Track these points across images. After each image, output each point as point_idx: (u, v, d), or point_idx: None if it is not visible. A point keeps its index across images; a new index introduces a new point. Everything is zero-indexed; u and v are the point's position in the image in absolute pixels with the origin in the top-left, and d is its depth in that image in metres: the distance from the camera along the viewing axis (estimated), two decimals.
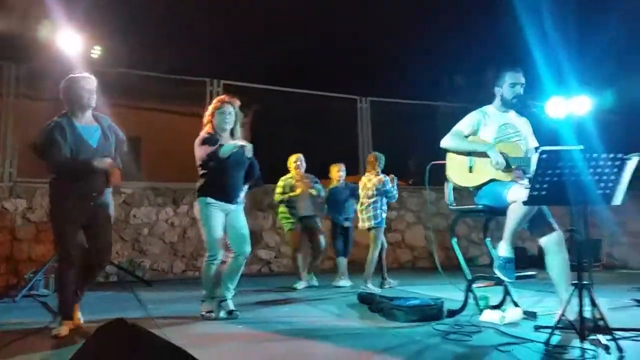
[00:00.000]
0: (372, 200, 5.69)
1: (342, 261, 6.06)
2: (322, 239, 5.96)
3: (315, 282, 5.97)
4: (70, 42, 5.59)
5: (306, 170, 6.08)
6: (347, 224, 6.07)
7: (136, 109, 7.66)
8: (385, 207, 5.82)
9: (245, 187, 4.11)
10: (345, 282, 5.96)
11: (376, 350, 2.77)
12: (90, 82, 3.39)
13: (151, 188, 7.76)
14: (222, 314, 3.85)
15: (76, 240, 3.35)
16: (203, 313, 3.83)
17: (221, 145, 3.74)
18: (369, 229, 5.72)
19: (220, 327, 3.55)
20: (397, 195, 5.96)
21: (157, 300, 4.84)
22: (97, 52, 6.57)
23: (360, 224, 5.81)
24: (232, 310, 3.86)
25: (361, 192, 5.85)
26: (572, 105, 7.98)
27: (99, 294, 5.32)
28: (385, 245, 6.00)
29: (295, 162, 6.02)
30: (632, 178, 2.83)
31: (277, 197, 6.00)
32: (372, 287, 5.49)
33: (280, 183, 6.01)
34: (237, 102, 4.03)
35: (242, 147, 3.80)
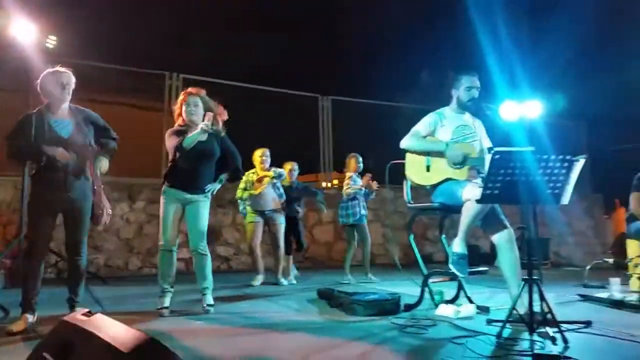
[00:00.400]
0: (354, 198, 6.13)
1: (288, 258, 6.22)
2: (282, 236, 5.95)
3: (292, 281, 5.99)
4: (24, 31, 5.39)
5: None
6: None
7: (92, 102, 7.45)
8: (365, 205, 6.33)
9: (223, 177, 4.12)
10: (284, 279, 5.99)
11: (337, 342, 2.82)
12: (63, 76, 3.39)
13: (106, 182, 7.54)
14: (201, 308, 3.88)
15: (43, 231, 3.35)
16: (157, 309, 3.80)
17: (184, 138, 3.78)
18: (351, 225, 6.15)
19: (179, 323, 3.52)
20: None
21: (112, 297, 4.74)
22: (52, 42, 6.35)
23: (342, 220, 6.25)
24: (207, 305, 3.88)
25: (344, 190, 6.22)
26: (524, 109, 8.29)
27: (52, 290, 5.16)
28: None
29: (261, 156, 5.96)
30: (578, 181, 2.97)
31: (239, 192, 5.98)
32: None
33: (244, 178, 5.92)
34: (203, 92, 4.05)
35: (204, 132, 3.78)
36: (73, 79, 3.46)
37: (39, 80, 3.40)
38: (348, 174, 6.43)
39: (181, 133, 3.90)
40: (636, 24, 11.20)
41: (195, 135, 3.75)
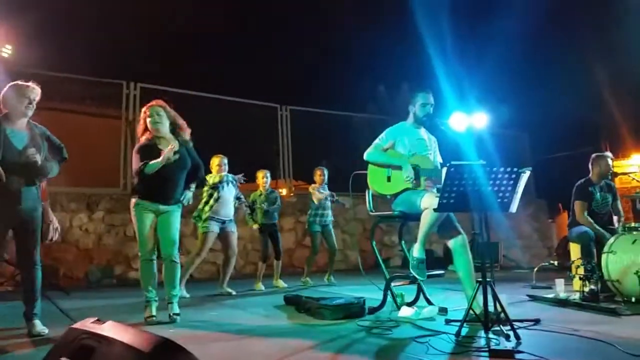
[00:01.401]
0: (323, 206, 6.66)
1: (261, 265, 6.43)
2: (234, 244, 5.98)
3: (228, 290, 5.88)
4: None
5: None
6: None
7: (50, 110, 7.35)
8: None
9: (193, 186, 4.25)
10: (259, 285, 6.26)
11: (308, 345, 2.98)
12: (32, 92, 3.43)
13: (64, 193, 7.46)
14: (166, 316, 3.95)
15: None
16: (145, 318, 3.88)
17: (146, 164, 3.82)
18: (321, 231, 6.67)
19: (152, 331, 3.59)
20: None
21: (80, 309, 4.68)
22: (8, 50, 6.27)
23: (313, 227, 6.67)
24: (174, 314, 3.95)
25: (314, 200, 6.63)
26: (472, 120, 8.77)
27: (13, 303, 5.08)
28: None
29: (219, 164, 5.95)
30: (524, 188, 3.27)
31: (206, 208, 5.80)
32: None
33: (206, 189, 5.87)
34: (162, 103, 4.11)
35: (173, 155, 3.85)
36: (39, 96, 3.49)
37: (4, 90, 3.41)
38: (313, 186, 6.79)
39: (148, 148, 3.94)
40: (571, 33, 11.98)
41: (157, 164, 3.79)
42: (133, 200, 3.98)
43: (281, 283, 6.50)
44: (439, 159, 4.13)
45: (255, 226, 6.42)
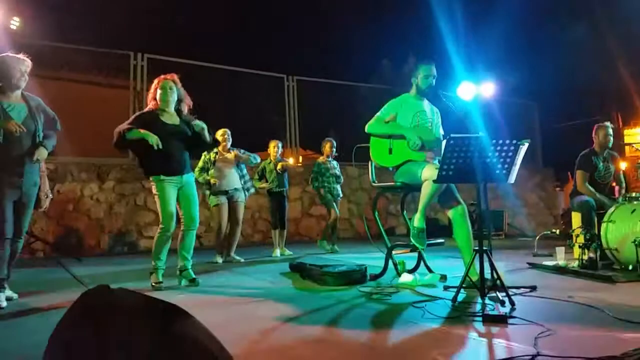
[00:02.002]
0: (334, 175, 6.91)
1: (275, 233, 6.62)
2: (240, 215, 6.11)
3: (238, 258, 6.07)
4: None
5: (234, 145, 6.18)
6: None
7: (58, 80, 7.43)
8: None
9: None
10: (276, 252, 6.48)
11: (311, 309, 3.11)
12: (23, 64, 3.47)
13: (75, 163, 7.61)
14: (184, 282, 4.14)
15: (5, 215, 3.42)
16: (153, 284, 4.04)
17: (131, 129, 3.88)
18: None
19: (162, 296, 3.74)
20: None
21: (92, 276, 4.88)
22: (16, 23, 6.31)
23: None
24: (194, 279, 4.14)
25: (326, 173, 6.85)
26: (480, 89, 8.75)
27: (28, 270, 5.29)
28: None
29: (222, 135, 6.01)
30: (531, 157, 3.31)
31: (196, 174, 5.89)
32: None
33: (202, 158, 5.98)
34: (175, 78, 4.19)
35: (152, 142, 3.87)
36: (30, 67, 3.53)
37: None
38: (322, 158, 7.01)
39: (148, 117, 4.04)
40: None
41: (139, 134, 3.85)
42: (155, 178, 4.03)
43: (286, 251, 6.67)
44: (441, 131, 4.16)
45: (264, 185, 6.63)
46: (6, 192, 3.41)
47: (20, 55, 3.50)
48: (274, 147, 6.67)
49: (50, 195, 3.87)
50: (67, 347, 1.43)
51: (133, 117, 4.14)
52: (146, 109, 4.20)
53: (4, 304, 3.37)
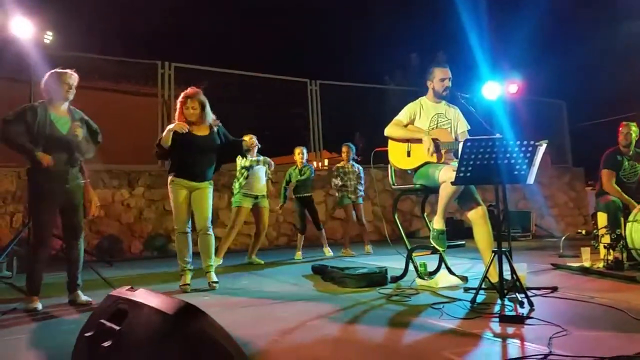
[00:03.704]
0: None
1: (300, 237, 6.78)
2: (266, 219, 6.29)
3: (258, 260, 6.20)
4: (22, 27, 5.64)
5: (259, 151, 6.23)
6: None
7: (89, 89, 7.71)
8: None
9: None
10: (298, 255, 6.58)
11: (331, 310, 3.19)
12: (71, 78, 3.69)
13: (106, 170, 7.86)
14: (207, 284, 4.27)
15: (47, 220, 3.64)
16: (180, 286, 4.20)
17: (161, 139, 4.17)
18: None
19: (187, 299, 3.86)
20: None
21: (121, 279, 5.01)
22: (49, 37, 6.60)
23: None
24: (213, 282, 4.25)
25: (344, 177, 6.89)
26: (506, 88, 8.70)
27: (61, 274, 5.47)
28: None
29: (250, 139, 6.11)
30: (559, 156, 3.30)
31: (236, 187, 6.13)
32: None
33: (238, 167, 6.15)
34: (198, 90, 4.35)
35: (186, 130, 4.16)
36: (77, 81, 3.76)
37: (45, 77, 3.68)
38: (341, 163, 7.11)
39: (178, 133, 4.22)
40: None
41: (169, 135, 4.15)
42: (170, 178, 4.31)
43: (327, 251, 6.78)
44: (464, 127, 4.11)
45: (279, 205, 6.88)
46: (46, 198, 3.61)
47: (68, 70, 3.72)
48: (299, 154, 6.77)
49: (97, 202, 4.05)
50: (90, 342, 1.54)
51: (168, 130, 4.28)
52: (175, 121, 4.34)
53: (40, 307, 3.56)
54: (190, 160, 4.23)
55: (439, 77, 4.01)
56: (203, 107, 4.31)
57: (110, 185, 7.86)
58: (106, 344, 1.46)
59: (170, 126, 4.18)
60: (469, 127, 4.12)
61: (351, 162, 7.04)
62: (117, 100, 8.67)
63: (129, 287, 1.74)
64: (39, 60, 5.48)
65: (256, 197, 6.14)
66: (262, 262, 6.14)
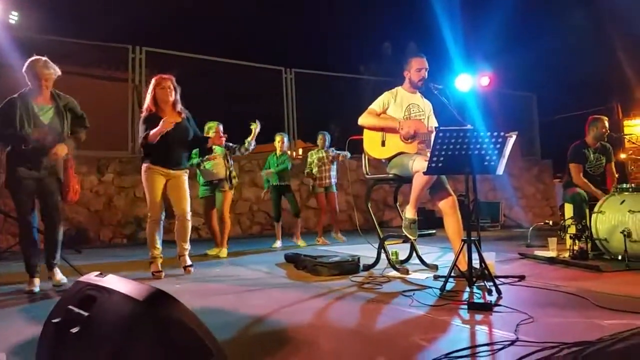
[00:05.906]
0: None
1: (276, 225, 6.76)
2: (220, 203, 5.99)
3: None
4: None
5: (230, 140, 6.18)
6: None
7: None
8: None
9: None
10: (276, 244, 6.58)
11: (304, 297, 3.21)
12: (49, 66, 3.64)
13: (75, 156, 7.65)
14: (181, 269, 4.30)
15: (29, 207, 3.68)
16: (153, 273, 4.17)
17: (148, 134, 4.07)
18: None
19: (158, 285, 3.83)
20: None
21: (91, 267, 4.92)
22: (15, 17, 6.38)
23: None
24: (187, 266, 4.29)
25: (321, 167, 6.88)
26: (478, 81, 8.82)
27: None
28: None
29: (215, 131, 5.87)
30: (528, 149, 3.37)
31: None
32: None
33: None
34: (171, 76, 4.33)
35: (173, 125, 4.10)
36: (58, 72, 3.72)
37: (24, 68, 3.64)
38: (316, 150, 7.10)
39: (152, 118, 4.17)
40: None
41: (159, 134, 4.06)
42: (145, 165, 4.24)
43: (301, 242, 6.75)
44: (434, 123, 4.20)
45: (264, 190, 6.85)
46: (25, 185, 3.62)
47: (45, 58, 3.66)
48: (279, 141, 6.74)
49: (77, 187, 4.00)
50: (57, 328, 1.51)
51: (142, 123, 4.23)
52: (146, 112, 4.27)
53: (37, 289, 3.63)
54: (166, 148, 4.17)
55: (416, 67, 4.03)
56: (176, 91, 4.28)
57: (79, 171, 7.67)
58: (74, 330, 1.44)
59: (161, 127, 4.04)
60: (437, 125, 4.16)
61: (328, 149, 7.00)
62: (87, 85, 8.40)
63: (98, 272, 1.72)
64: (3, 41, 5.32)
65: (211, 182, 5.95)
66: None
